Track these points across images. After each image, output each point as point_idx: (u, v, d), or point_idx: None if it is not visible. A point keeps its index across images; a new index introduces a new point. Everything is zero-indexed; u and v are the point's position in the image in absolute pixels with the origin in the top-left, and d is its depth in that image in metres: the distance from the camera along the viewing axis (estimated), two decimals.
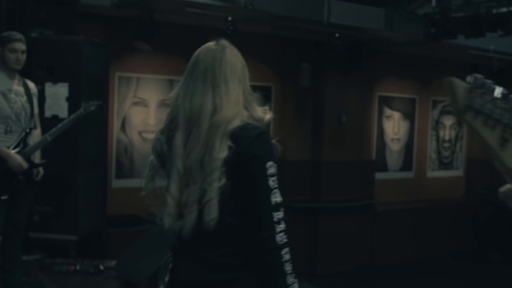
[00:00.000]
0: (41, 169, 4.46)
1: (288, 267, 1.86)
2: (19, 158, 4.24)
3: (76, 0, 6.04)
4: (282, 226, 1.86)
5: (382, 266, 9.13)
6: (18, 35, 4.33)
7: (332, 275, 8.42)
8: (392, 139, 9.89)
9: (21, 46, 4.28)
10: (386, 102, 9.76)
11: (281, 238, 1.84)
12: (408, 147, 10.14)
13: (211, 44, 2.02)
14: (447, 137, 10.75)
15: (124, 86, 7.36)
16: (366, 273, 8.86)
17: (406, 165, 10.16)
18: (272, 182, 1.86)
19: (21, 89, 4.36)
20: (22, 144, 4.32)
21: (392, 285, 8.59)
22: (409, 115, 10.09)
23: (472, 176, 10.95)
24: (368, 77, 9.19)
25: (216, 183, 1.82)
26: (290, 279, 1.86)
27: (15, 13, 5.48)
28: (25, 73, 5.22)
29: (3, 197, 4.22)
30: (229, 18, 6.41)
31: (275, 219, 1.85)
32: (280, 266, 1.84)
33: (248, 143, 1.85)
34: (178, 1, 6.11)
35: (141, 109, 7.47)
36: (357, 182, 8.99)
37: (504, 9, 6.73)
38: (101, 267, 5.26)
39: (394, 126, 9.89)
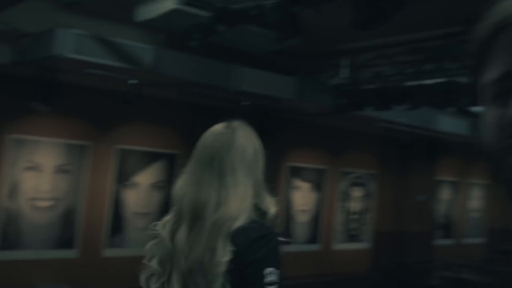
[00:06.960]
0: None
1: None
2: None
3: None
4: None
5: None
6: None
7: None
8: (301, 211, 9.66)
9: None
10: (296, 172, 9.57)
11: None
12: (316, 219, 9.95)
13: (220, 126, 1.84)
14: (355, 209, 10.65)
15: (16, 150, 6.78)
16: None
17: (313, 237, 9.93)
18: None
19: None
20: None
21: None
22: (318, 186, 9.94)
23: (379, 249, 10.89)
24: (278, 146, 8.99)
25: None
26: None
27: None
28: None
29: None
30: (130, 82, 6.04)
31: None
32: None
33: (245, 247, 1.63)
34: (78, 61, 5.70)
35: (34, 174, 6.89)
36: None
37: (412, 83, 6.75)
38: None
39: (303, 197, 9.68)
